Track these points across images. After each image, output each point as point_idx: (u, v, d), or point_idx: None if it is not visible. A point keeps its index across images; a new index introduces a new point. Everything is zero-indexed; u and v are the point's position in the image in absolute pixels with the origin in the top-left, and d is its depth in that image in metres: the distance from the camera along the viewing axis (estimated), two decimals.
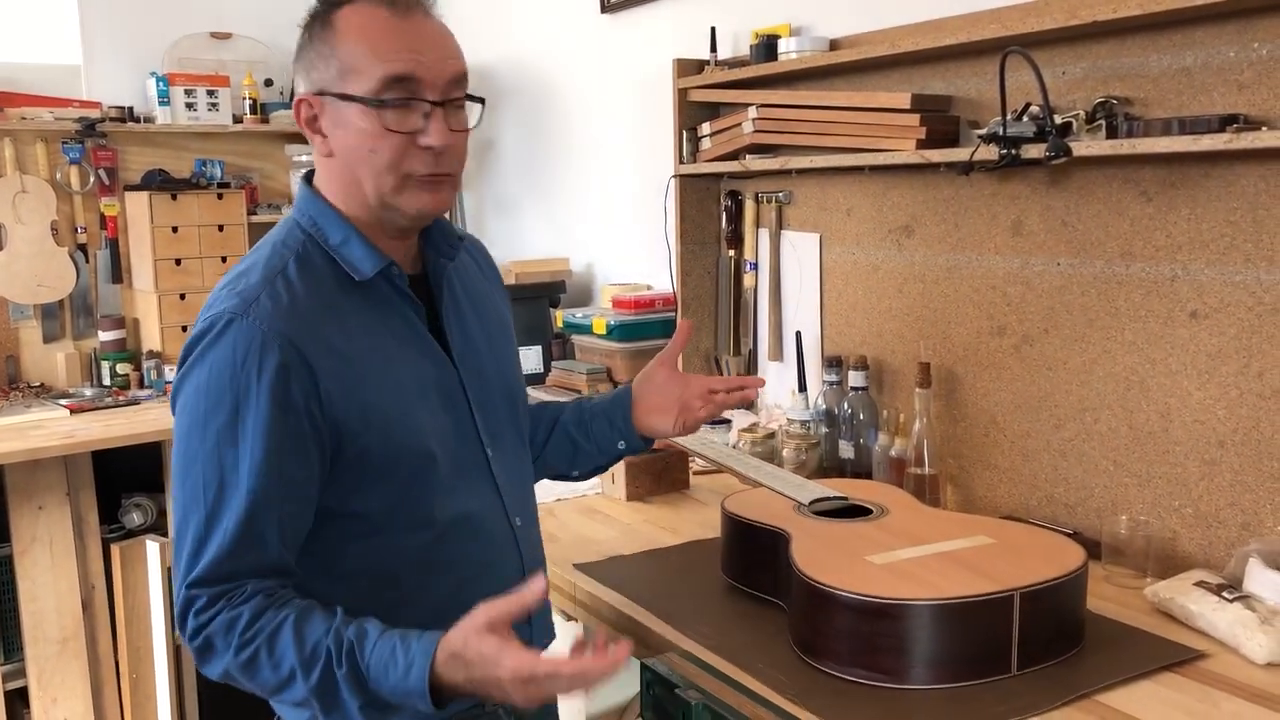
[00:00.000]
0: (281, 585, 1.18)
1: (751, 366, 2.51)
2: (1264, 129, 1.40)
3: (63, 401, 3.28)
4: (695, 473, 2.23)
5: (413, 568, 1.28)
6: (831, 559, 1.44)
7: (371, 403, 1.22)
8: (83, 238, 3.57)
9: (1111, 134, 1.62)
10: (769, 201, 2.40)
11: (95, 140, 3.52)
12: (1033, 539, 1.53)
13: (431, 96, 1.21)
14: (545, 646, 1.42)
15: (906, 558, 1.44)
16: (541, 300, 3.11)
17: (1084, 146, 1.60)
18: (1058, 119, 1.69)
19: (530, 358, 3.01)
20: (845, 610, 1.33)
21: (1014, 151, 1.69)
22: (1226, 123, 1.45)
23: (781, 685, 1.32)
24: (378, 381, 1.23)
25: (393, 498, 1.25)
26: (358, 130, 1.21)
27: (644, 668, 1.41)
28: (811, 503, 1.66)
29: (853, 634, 1.33)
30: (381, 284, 1.28)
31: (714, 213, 2.55)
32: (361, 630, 1.13)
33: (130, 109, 3.61)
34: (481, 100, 1.30)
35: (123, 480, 3.18)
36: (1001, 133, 1.70)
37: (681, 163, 2.49)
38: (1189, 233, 1.60)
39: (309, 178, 1.32)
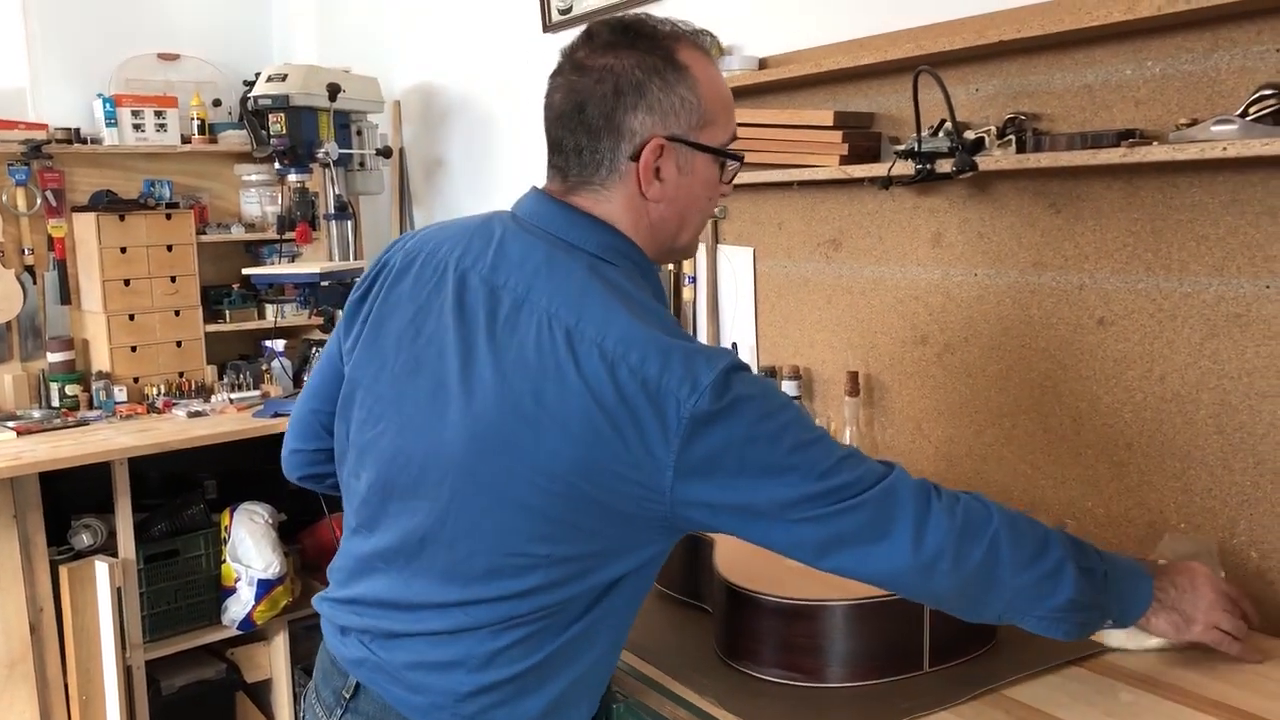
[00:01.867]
0: None
1: None
2: (1155, 144, 1.47)
3: (10, 424, 3.26)
4: None
5: None
6: (751, 564, 1.48)
7: None
8: (30, 259, 3.56)
9: (1021, 148, 1.68)
10: None
11: (42, 162, 3.51)
12: None
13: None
14: None
15: None
16: None
17: (991, 161, 1.67)
18: (971, 134, 1.75)
19: None
20: (763, 613, 1.38)
21: (929, 166, 1.75)
22: (1123, 137, 1.52)
23: (703, 688, 1.36)
24: None
25: None
26: (704, 180, 1.23)
27: None
28: None
29: (771, 636, 1.38)
30: None
31: None
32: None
33: (77, 130, 3.61)
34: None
35: (72, 501, 3.17)
36: (917, 148, 1.76)
37: None
38: (1095, 243, 1.67)
39: (565, 202, 1.24)
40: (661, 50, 1.19)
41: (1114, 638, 1.42)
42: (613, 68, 1.18)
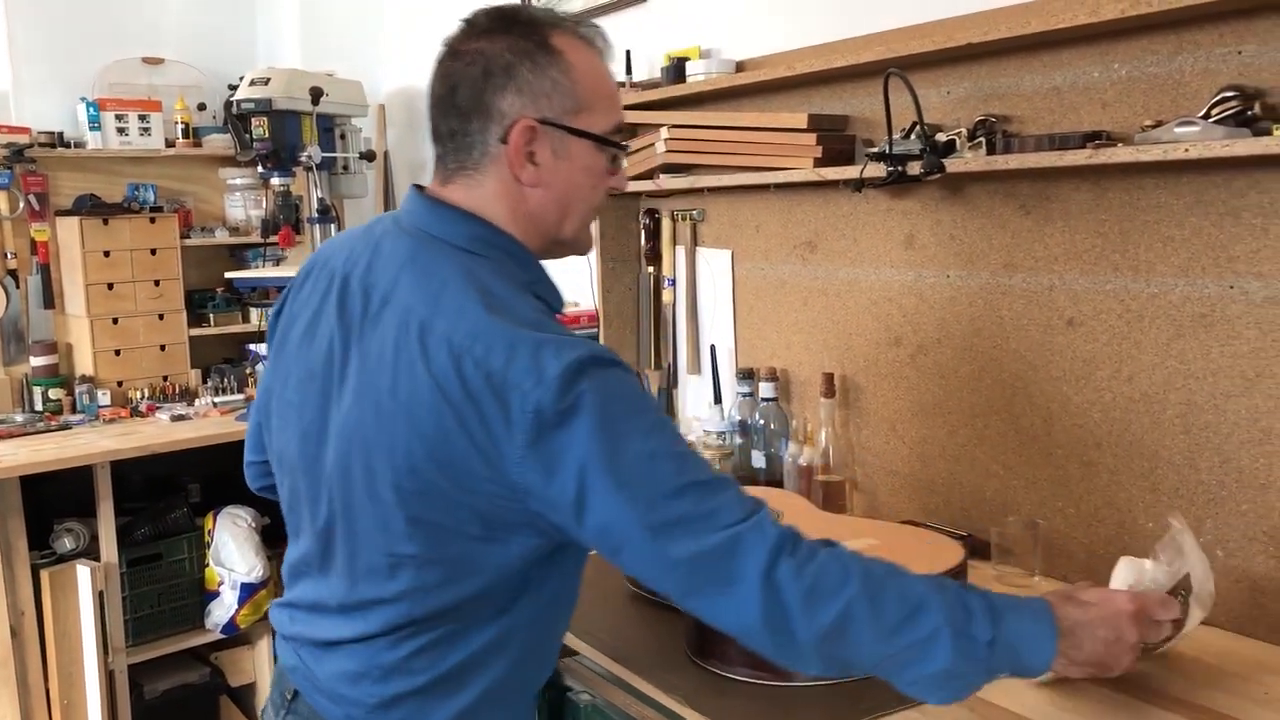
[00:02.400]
0: None
1: (672, 380, 2.56)
2: (1120, 145, 1.48)
3: None
4: None
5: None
6: None
7: None
8: (13, 263, 3.56)
9: (991, 150, 1.69)
10: (684, 219, 2.46)
11: (25, 165, 3.52)
12: (917, 540, 1.60)
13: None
14: None
15: None
16: None
17: (960, 163, 1.68)
18: (942, 136, 1.76)
19: None
20: None
21: (900, 169, 1.76)
22: (1090, 139, 1.53)
23: (670, 686, 1.37)
24: None
25: None
26: (585, 167, 1.20)
27: None
28: None
29: None
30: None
31: (633, 230, 2.60)
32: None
33: (61, 134, 3.62)
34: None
35: (54, 505, 3.17)
36: (888, 151, 1.77)
37: None
38: (1064, 244, 1.68)
39: (435, 197, 1.22)
40: (536, 35, 1.18)
41: None
42: (484, 50, 1.18)
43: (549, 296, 1.23)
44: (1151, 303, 1.57)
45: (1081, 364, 1.67)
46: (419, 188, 1.25)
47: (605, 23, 2.74)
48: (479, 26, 1.21)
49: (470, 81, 1.17)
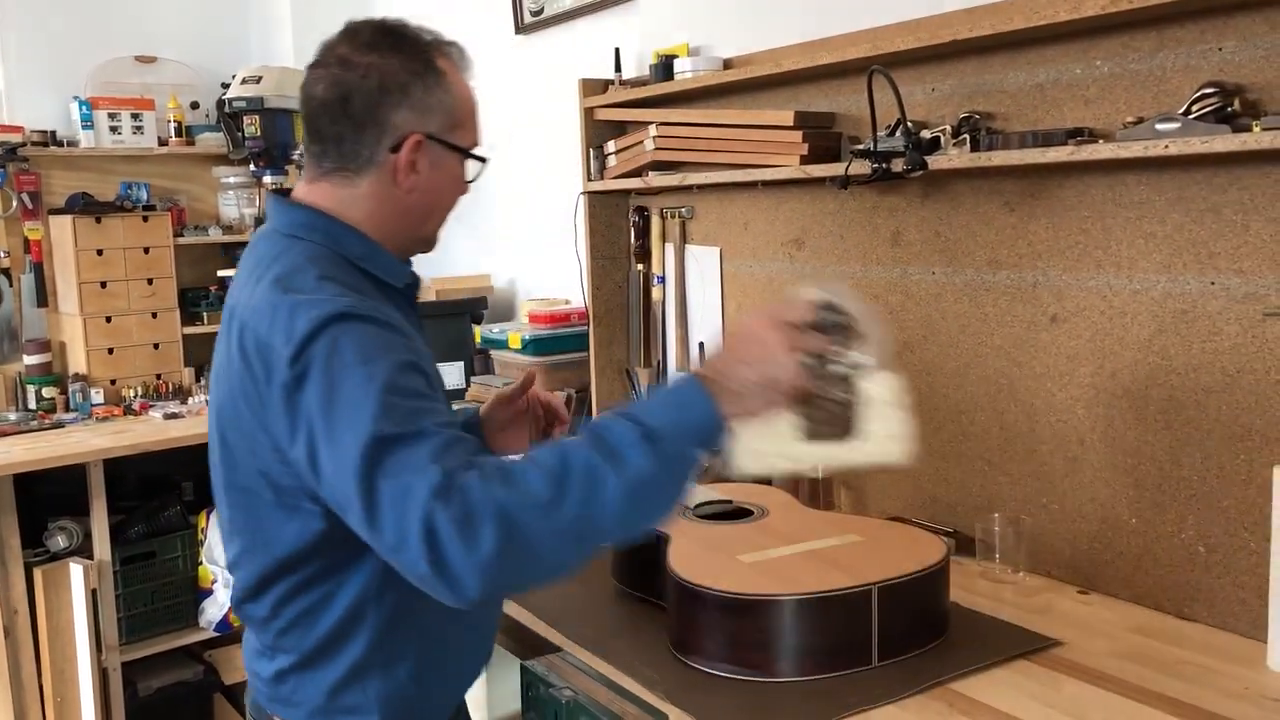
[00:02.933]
0: None
1: (661, 377, 2.56)
2: (1101, 142, 1.48)
3: None
4: None
5: None
6: (704, 559, 1.49)
7: (435, 380, 1.23)
8: (6, 262, 3.56)
9: (975, 147, 1.69)
10: (673, 217, 2.46)
11: (18, 164, 3.51)
12: (902, 537, 1.60)
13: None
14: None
15: (775, 556, 1.50)
16: (463, 317, 3.15)
17: (944, 160, 1.68)
18: (927, 134, 1.77)
19: (452, 373, 3.05)
20: (711, 607, 1.39)
21: (885, 166, 1.76)
22: (1072, 135, 1.53)
23: (652, 682, 1.37)
24: (431, 367, 1.23)
25: None
26: (453, 177, 1.31)
27: (524, 669, 1.46)
28: (695, 506, 1.72)
29: (719, 630, 1.39)
30: (401, 295, 1.31)
31: (623, 228, 2.61)
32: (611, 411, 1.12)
33: (53, 133, 3.61)
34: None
35: (48, 503, 3.17)
36: (873, 148, 1.77)
37: (589, 180, 2.55)
38: (1047, 241, 1.68)
39: (287, 197, 1.30)
40: (423, 56, 1.28)
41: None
42: (379, 66, 1.25)
43: (383, 271, 1.28)
44: (1134, 299, 1.57)
45: (1065, 360, 1.68)
46: (270, 190, 1.34)
47: (595, 20, 2.77)
48: (364, 39, 1.29)
49: (365, 94, 1.25)
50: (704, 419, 1.07)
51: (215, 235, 3.82)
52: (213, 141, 3.85)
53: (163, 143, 3.78)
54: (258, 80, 3.25)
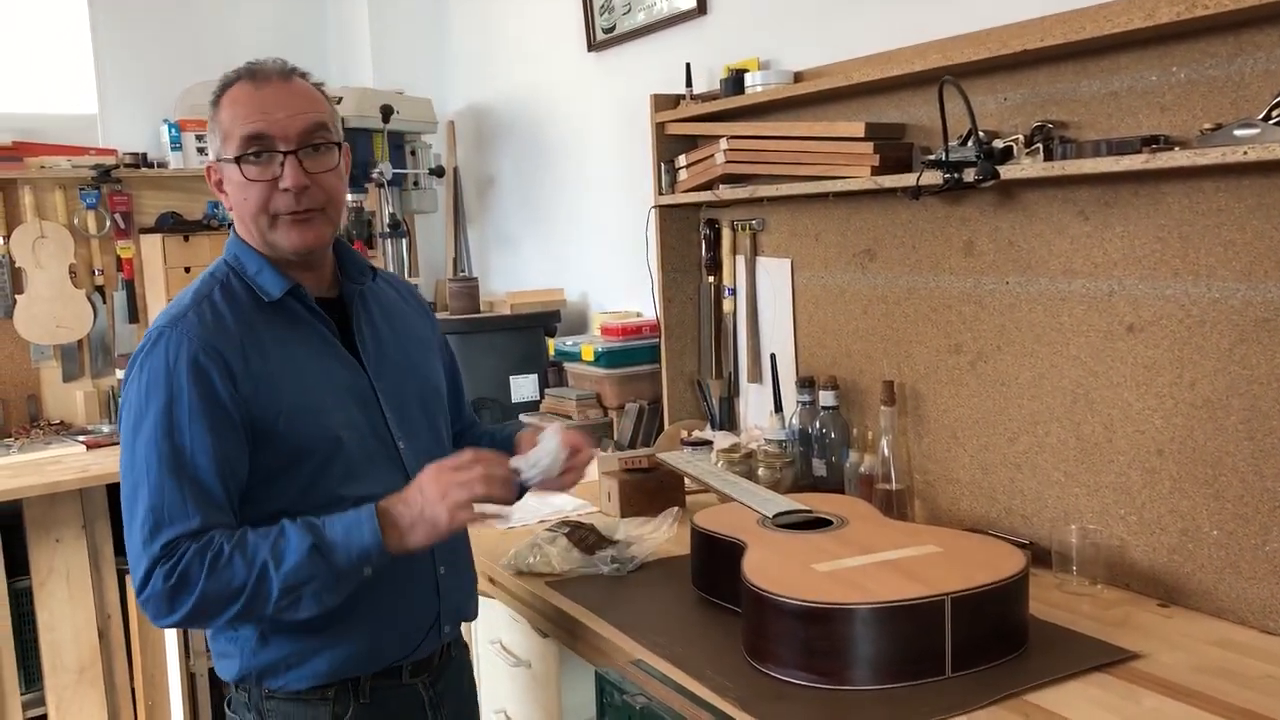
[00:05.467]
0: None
1: (732, 388, 2.58)
2: (1178, 149, 1.47)
3: (80, 438, 3.40)
4: (690, 492, 2.30)
5: None
6: (779, 567, 1.50)
7: (284, 400, 1.44)
8: (100, 280, 3.70)
9: (1048, 156, 1.68)
10: (744, 229, 2.48)
11: (111, 186, 3.66)
12: (980, 548, 1.59)
13: (284, 147, 1.44)
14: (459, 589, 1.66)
15: (850, 566, 1.50)
16: (537, 330, 3.20)
17: (1017, 169, 1.67)
18: (999, 143, 1.76)
19: (525, 385, 3.10)
20: (784, 615, 1.40)
21: (957, 175, 1.76)
22: (1147, 143, 1.52)
23: (724, 689, 1.38)
24: (290, 384, 1.46)
25: (305, 481, 1.46)
26: (235, 184, 1.46)
27: (598, 675, 1.49)
28: (775, 515, 1.73)
29: (792, 638, 1.40)
30: (293, 304, 1.50)
31: (694, 241, 2.63)
32: (309, 520, 1.39)
33: (144, 155, 3.76)
34: (338, 144, 1.50)
35: None
36: (945, 158, 1.77)
37: (660, 193, 2.58)
38: (1123, 249, 1.67)
39: (234, 227, 1.56)
40: (215, 97, 1.48)
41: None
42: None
43: (265, 283, 1.48)
44: (1213, 308, 1.55)
45: (1143, 370, 1.66)
46: None
47: (665, 36, 2.80)
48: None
49: None
50: (366, 544, 1.37)
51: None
52: None
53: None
54: (338, 101, 3.34)
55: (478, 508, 1.41)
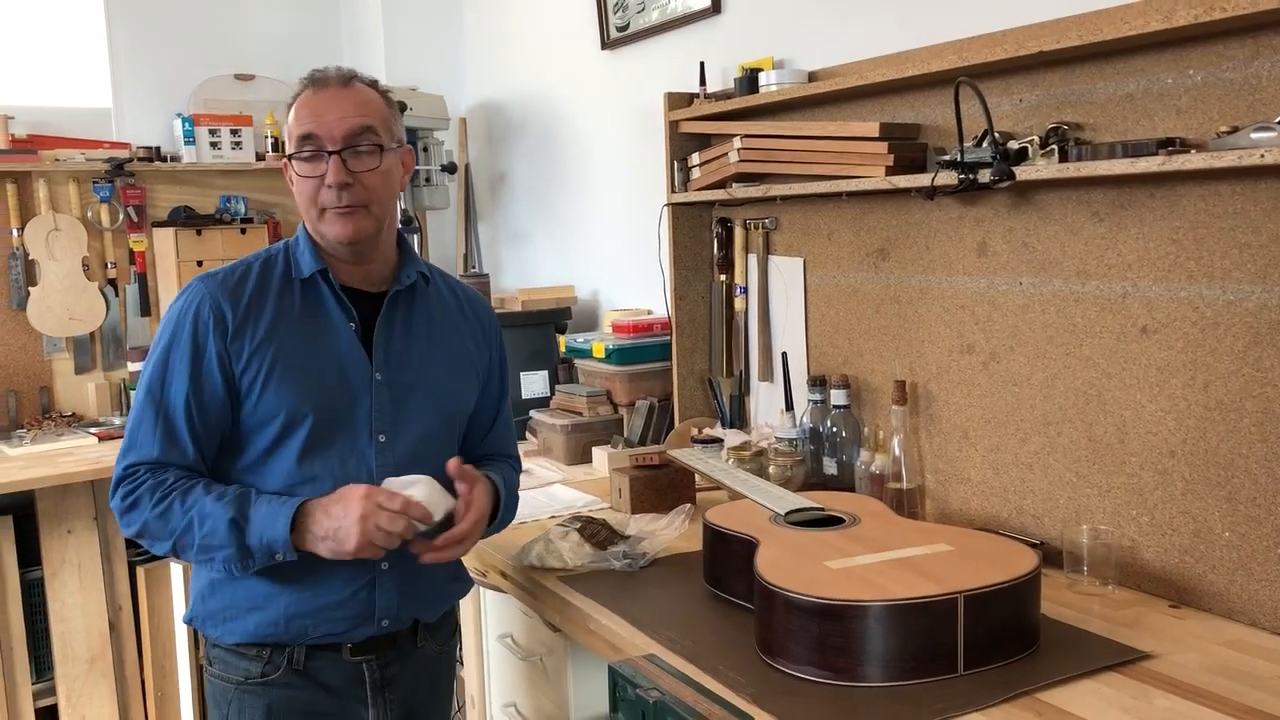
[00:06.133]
0: (196, 475, 1.58)
1: (742, 387, 2.59)
2: (1193, 151, 1.47)
3: (92, 430, 3.42)
4: (700, 489, 2.31)
5: None
6: (792, 564, 1.51)
7: (266, 365, 1.57)
8: (113, 273, 3.72)
9: (1063, 158, 1.69)
10: (756, 228, 2.48)
11: (124, 179, 3.68)
12: (992, 547, 1.60)
13: (330, 147, 1.57)
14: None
15: (863, 563, 1.51)
16: (547, 326, 3.21)
17: (1030, 170, 1.68)
18: (1014, 144, 1.77)
19: (536, 382, 3.11)
20: (797, 611, 1.41)
21: (971, 176, 1.76)
22: (1163, 146, 1.53)
23: (737, 684, 1.39)
24: (281, 353, 1.59)
25: (267, 444, 1.59)
26: (295, 178, 1.62)
27: (611, 669, 1.49)
28: (788, 513, 1.74)
29: (804, 634, 1.40)
30: (321, 286, 1.64)
31: (706, 239, 2.64)
32: (247, 493, 1.55)
33: (158, 149, 3.77)
34: (381, 147, 1.60)
35: None
36: (960, 158, 1.78)
37: (673, 191, 2.58)
38: (1137, 251, 1.67)
39: None
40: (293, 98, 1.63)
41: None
42: None
43: (301, 262, 1.64)
44: (1227, 310, 1.56)
45: (1156, 371, 1.66)
46: None
47: (679, 35, 2.81)
48: None
49: None
50: (276, 536, 1.50)
51: None
52: None
53: (260, 157, 3.92)
54: (406, 109, 3.35)
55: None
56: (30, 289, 3.54)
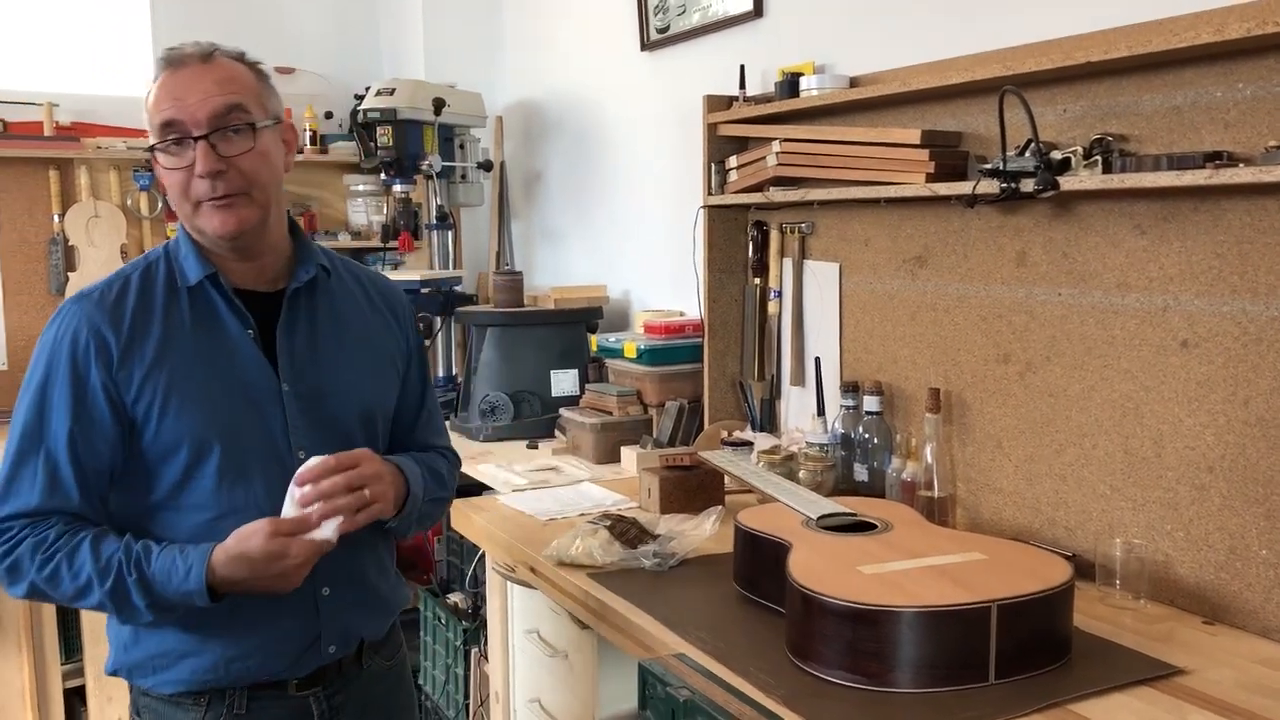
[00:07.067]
0: (83, 522, 1.43)
1: (773, 390, 2.59)
2: (1242, 165, 1.46)
3: None
4: (729, 492, 2.31)
5: (193, 542, 1.44)
6: (824, 568, 1.51)
7: (159, 393, 1.43)
8: None
9: (1107, 169, 1.68)
10: (792, 232, 2.49)
11: None
12: (1025, 557, 1.59)
13: (195, 132, 1.41)
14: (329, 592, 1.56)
15: (896, 569, 1.51)
16: (579, 325, 3.22)
17: (1075, 181, 1.67)
18: (1058, 154, 1.76)
19: (566, 380, 3.12)
20: (829, 615, 1.41)
21: (1013, 185, 1.76)
22: (1210, 159, 1.52)
23: (768, 686, 1.40)
24: (173, 377, 1.44)
25: (176, 477, 1.45)
26: (161, 173, 1.47)
27: (641, 667, 1.50)
28: (820, 518, 1.74)
29: (836, 638, 1.40)
30: (210, 292, 1.48)
31: (741, 242, 2.64)
32: (147, 546, 1.40)
33: None
34: (253, 125, 1.45)
35: None
36: (1002, 167, 1.77)
37: (710, 194, 2.59)
38: (1180, 265, 1.66)
39: None
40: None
41: None
42: None
43: (186, 269, 1.48)
44: (1271, 326, 1.55)
45: (1195, 386, 1.65)
46: None
47: (719, 38, 2.82)
48: None
49: None
50: (189, 590, 1.37)
51: (344, 240, 3.97)
52: (345, 150, 4.01)
53: (298, 150, 3.94)
54: (391, 92, 3.38)
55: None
56: (69, 274, 3.59)
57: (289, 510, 1.41)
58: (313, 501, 1.40)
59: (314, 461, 1.42)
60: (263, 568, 1.38)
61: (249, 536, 1.38)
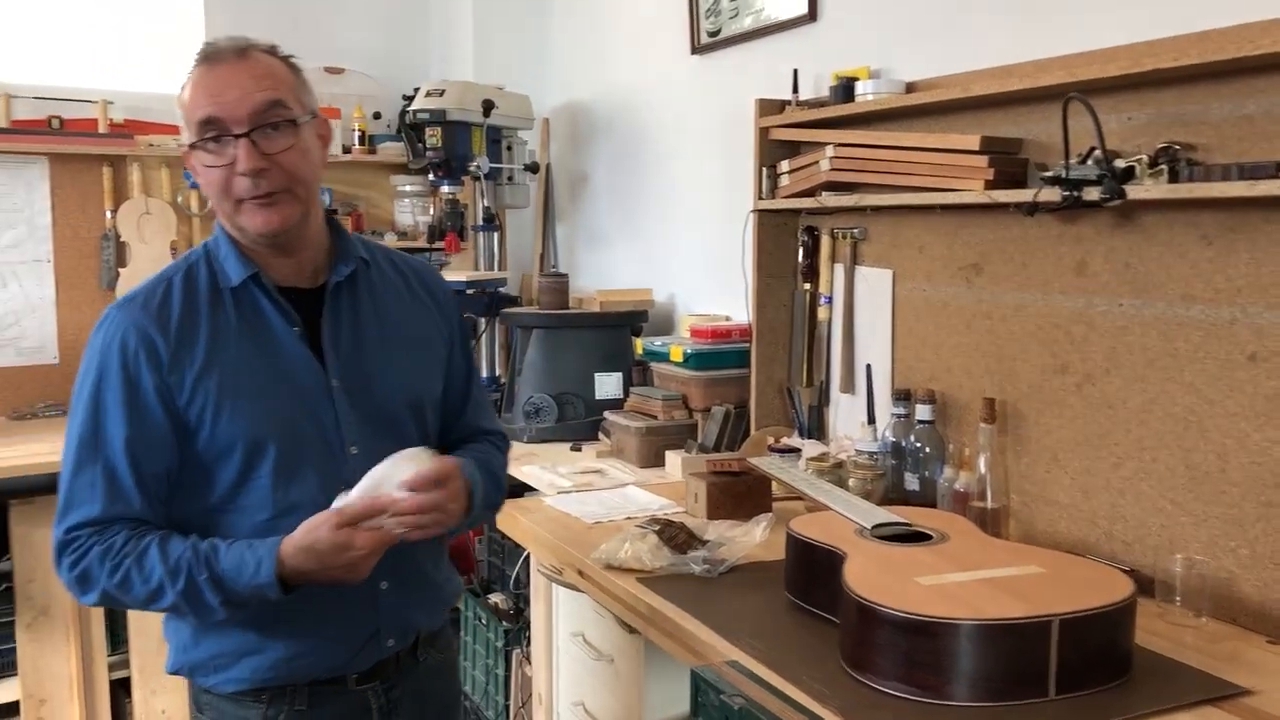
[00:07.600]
0: (147, 526, 1.43)
1: (822, 397, 2.57)
2: None
3: None
4: (776, 498, 2.29)
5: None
6: (881, 578, 1.49)
7: (210, 394, 1.43)
8: None
9: (1174, 178, 1.65)
10: (844, 237, 2.47)
11: None
12: (1084, 571, 1.57)
13: (236, 130, 1.40)
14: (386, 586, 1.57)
15: (954, 581, 1.49)
16: (624, 328, 3.21)
17: (1141, 190, 1.65)
18: (1122, 163, 1.73)
19: (609, 383, 3.11)
20: (886, 626, 1.39)
21: (1076, 194, 1.73)
22: None
23: (822, 695, 1.38)
24: (223, 378, 1.44)
25: (233, 478, 1.46)
26: (199, 170, 1.45)
27: (694, 674, 1.49)
28: (874, 527, 1.72)
29: (893, 649, 1.39)
30: (254, 292, 1.49)
31: (791, 247, 2.62)
32: (214, 544, 1.41)
33: None
34: (294, 121, 1.44)
35: None
36: (1064, 175, 1.75)
37: (760, 198, 2.57)
38: (1248, 276, 1.63)
39: None
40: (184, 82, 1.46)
41: None
42: None
43: (228, 269, 1.48)
44: None
45: (1263, 400, 1.62)
46: None
47: (772, 41, 2.81)
48: None
49: None
50: (260, 583, 1.37)
51: (390, 240, 3.99)
52: (393, 151, 4.03)
53: (346, 150, 3.98)
54: (441, 93, 3.39)
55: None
56: (120, 270, 3.63)
57: (355, 496, 1.41)
58: (413, 513, 1.40)
59: (419, 466, 1.42)
60: (330, 558, 1.38)
61: (316, 527, 1.38)
